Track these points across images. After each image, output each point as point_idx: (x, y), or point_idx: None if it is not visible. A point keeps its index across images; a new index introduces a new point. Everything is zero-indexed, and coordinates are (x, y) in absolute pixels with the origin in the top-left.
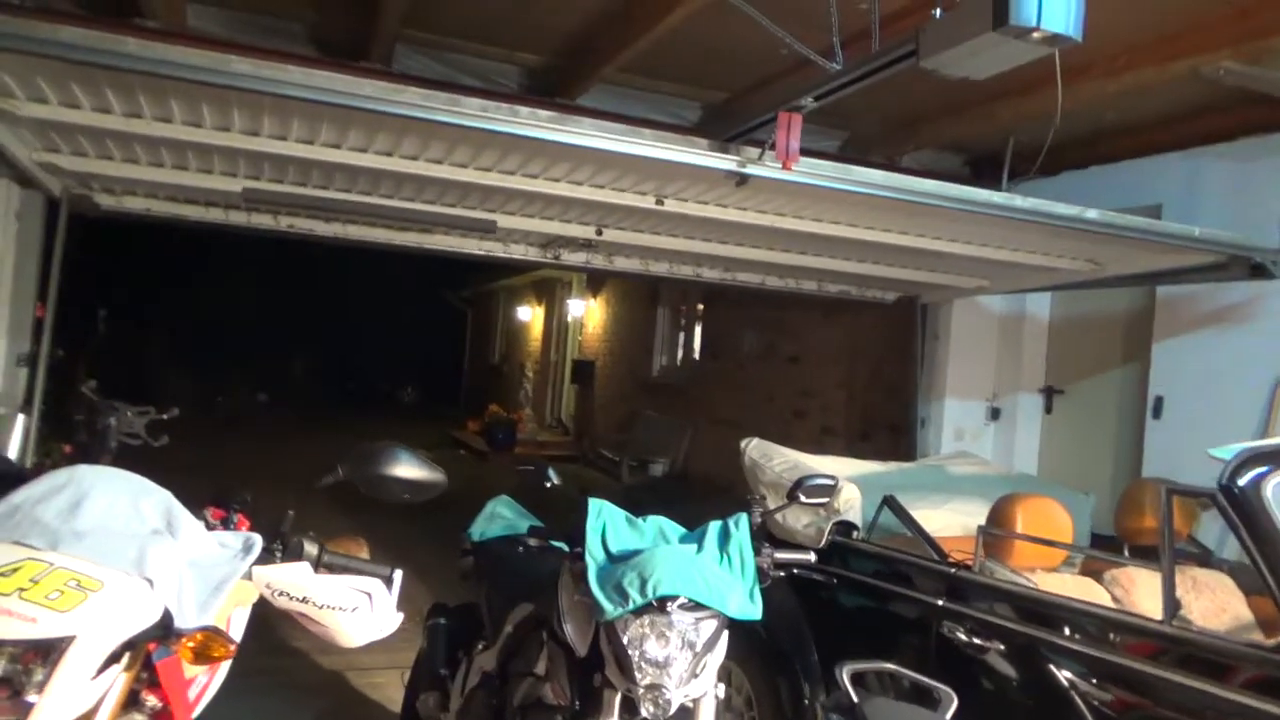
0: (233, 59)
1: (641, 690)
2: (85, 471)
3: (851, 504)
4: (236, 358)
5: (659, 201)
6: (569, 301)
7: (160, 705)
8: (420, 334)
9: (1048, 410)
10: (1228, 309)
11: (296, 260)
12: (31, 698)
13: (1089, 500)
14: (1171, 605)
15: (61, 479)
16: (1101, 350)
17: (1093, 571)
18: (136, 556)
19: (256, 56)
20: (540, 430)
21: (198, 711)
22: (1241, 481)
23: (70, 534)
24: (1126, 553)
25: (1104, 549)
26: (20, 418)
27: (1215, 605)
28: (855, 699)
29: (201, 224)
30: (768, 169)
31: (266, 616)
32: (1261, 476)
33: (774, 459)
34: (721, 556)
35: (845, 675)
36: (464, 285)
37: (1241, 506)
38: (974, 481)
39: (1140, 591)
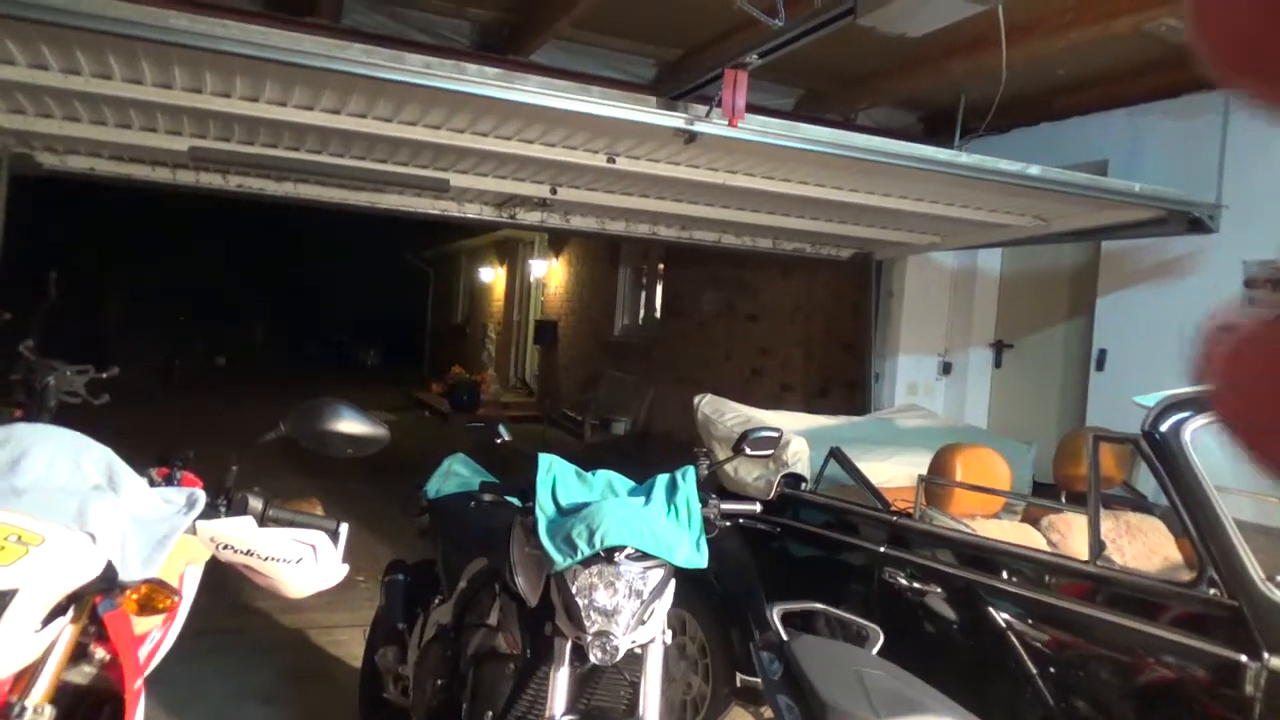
0: (170, 14)
1: (590, 637)
2: (23, 429)
3: (800, 456)
4: (195, 321)
5: (610, 160)
6: (531, 262)
7: (110, 658)
8: (382, 296)
9: (997, 364)
10: (1168, 263)
11: (257, 223)
12: None
13: (1030, 450)
14: (1097, 546)
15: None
16: (1049, 305)
17: (1031, 518)
18: (77, 511)
19: (199, 12)
20: (504, 391)
21: (152, 667)
22: (1162, 427)
23: (9, 490)
24: (1064, 499)
25: (1044, 497)
26: None
27: (1147, 548)
28: (785, 637)
29: (149, 184)
30: (715, 126)
31: (225, 578)
32: (1181, 422)
33: (726, 414)
34: (669, 508)
35: (776, 615)
36: (425, 246)
37: (1162, 451)
38: (920, 434)
39: (1075, 536)
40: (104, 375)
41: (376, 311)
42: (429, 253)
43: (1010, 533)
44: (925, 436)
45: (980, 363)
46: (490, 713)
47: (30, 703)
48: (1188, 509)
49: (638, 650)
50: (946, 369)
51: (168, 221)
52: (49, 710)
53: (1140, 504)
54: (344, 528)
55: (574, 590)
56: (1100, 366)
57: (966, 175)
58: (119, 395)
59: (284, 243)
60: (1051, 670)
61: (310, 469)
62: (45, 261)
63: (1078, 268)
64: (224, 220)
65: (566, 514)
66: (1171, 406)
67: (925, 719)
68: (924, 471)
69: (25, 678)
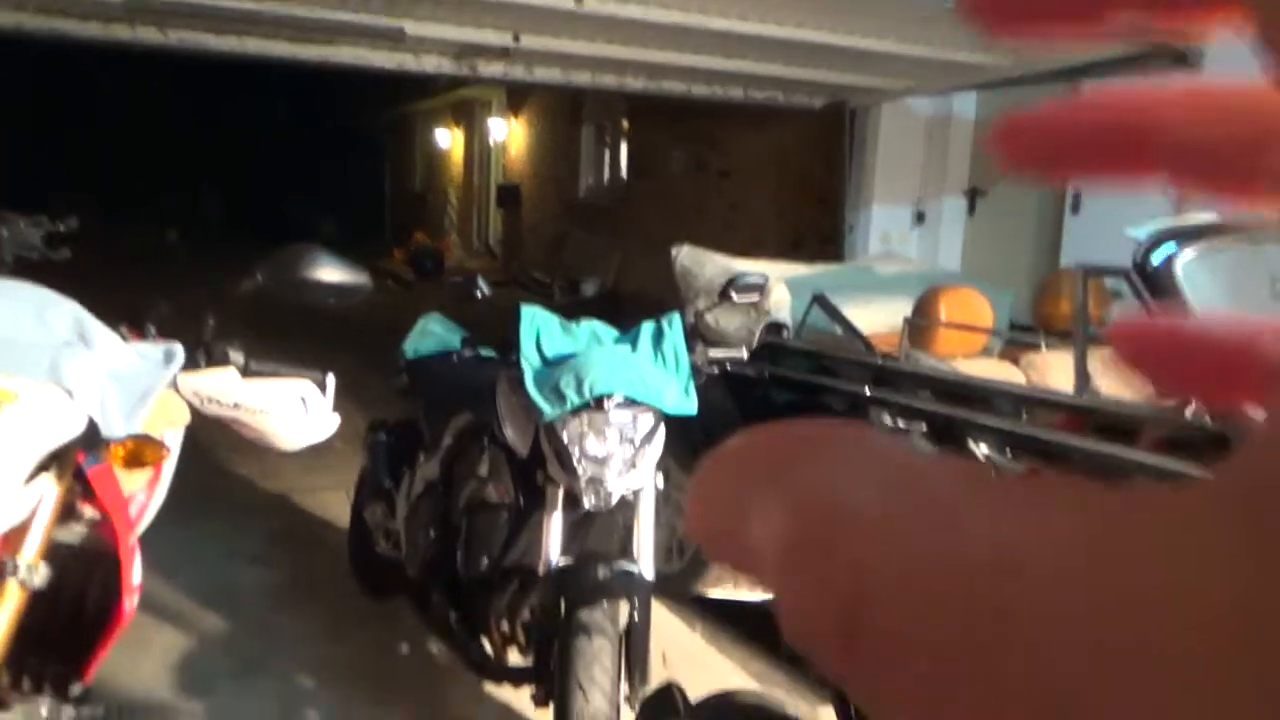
0: None
1: (583, 484)
2: None
3: (781, 304)
4: (143, 195)
5: (578, 1)
6: (490, 122)
7: (99, 516)
8: (337, 165)
9: (971, 212)
10: None
11: (204, 90)
12: None
13: (1008, 294)
14: (1083, 378)
15: None
16: None
17: (1010, 358)
18: (50, 366)
19: None
20: (468, 257)
21: (141, 528)
22: (1154, 259)
23: None
24: (1043, 338)
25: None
26: None
27: (1122, 384)
28: None
29: (81, 40)
30: None
31: (206, 444)
32: (1173, 254)
33: (705, 264)
34: (656, 355)
35: None
36: (379, 111)
37: (1153, 282)
38: (900, 280)
39: (1054, 373)
40: (61, 228)
41: (332, 181)
42: (383, 118)
43: (992, 370)
44: (905, 282)
45: (954, 211)
46: (486, 559)
47: (23, 561)
48: None
49: (629, 496)
50: (920, 218)
51: (100, 87)
52: (43, 568)
53: None
54: (330, 378)
55: (565, 439)
56: (1075, 210)
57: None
58: (76, 271)
59: (233, 112)
60: None
61: (279, 336)
62: None
63: None
64: (164, 83)
65: (553, 365)
66: (1163, 237)
67: None
68: (906, 316)
69: (16, 538)
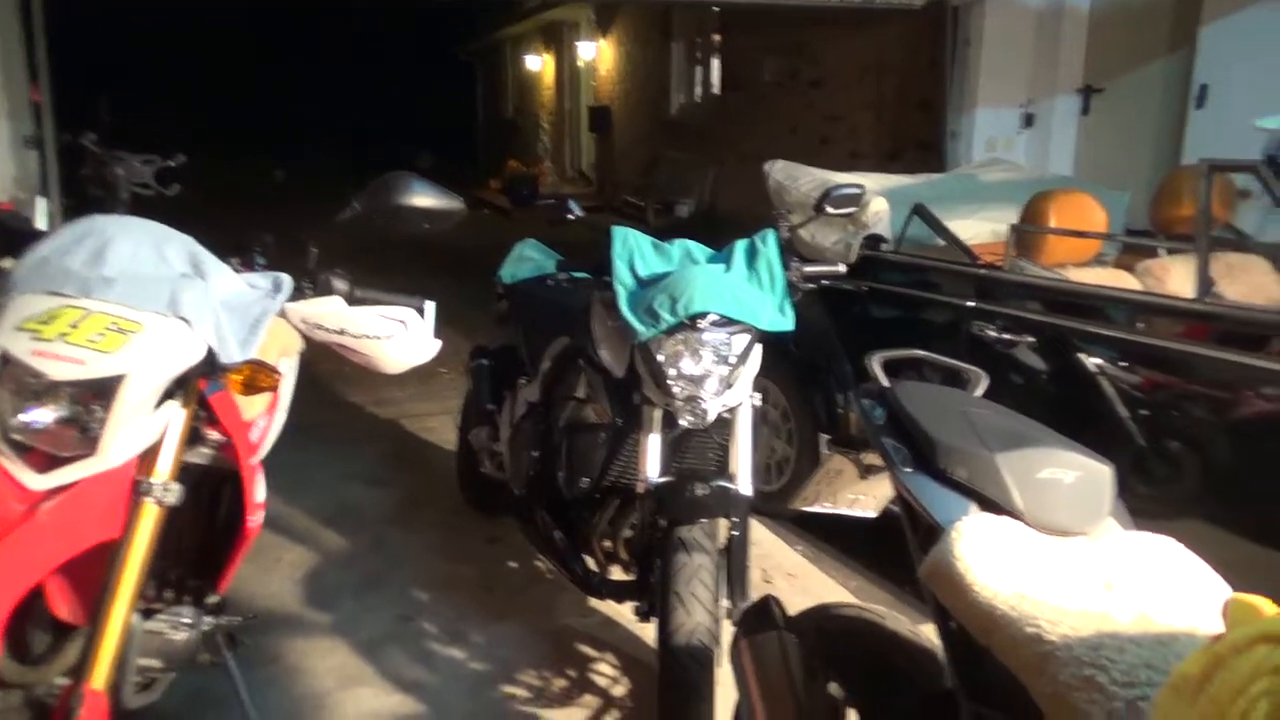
0: None
1: (679, 403)
2: (103, 221)
3: (880, 216)
4: (251, 137)
5: None
6: (578, 44)
7: (223, 439)
8: (431, 96)
9: (1084, 111)
10: None
11: (300, 32)
12: (98, 434)
13: (1124, 196)
14: (1205, 282)
15: (81, 229)
16: (1145, 41)
17: (1125, 265)
18: (169, 299)
19: None
20: (562, 183)
21: (263, 452)
22: None
23: (100, 281)
24: (1161, 243)
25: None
26: (40, 200)
27: (1250, 288)
28: (886, 384)
29: None
30: None
31: (321, 376)
32: None
33: (800, 179)
34: (750, 273)
35: (876, 363)
36: (468, 39)
37: None
38: (1006, 187)
39: (1173, 279)
40: (171, 163)
41: (427, 112)
42: (473, 44)
43: (1105, 278)
44: (1011, 189)
45: (1066, 111)
46: (587, 478)
47: (157, 480)
48: None
49: (726, 414)
50: (1029, 121)
51: (204, 36)
52: (176, 487)
53: (1244, 244)
54: (430, 305)
55: (660, 360)
56: (1201, 104)
57: None
58: (190, 208)
59: (329, 49)
60: (1145, 413)
61: (384, 269)
62: (92, 85)
63: None
64: (262, 29)
65: (646, 285)
66: None
67: (1037, 450)
68: (1011, 223)
69: (149, 460)
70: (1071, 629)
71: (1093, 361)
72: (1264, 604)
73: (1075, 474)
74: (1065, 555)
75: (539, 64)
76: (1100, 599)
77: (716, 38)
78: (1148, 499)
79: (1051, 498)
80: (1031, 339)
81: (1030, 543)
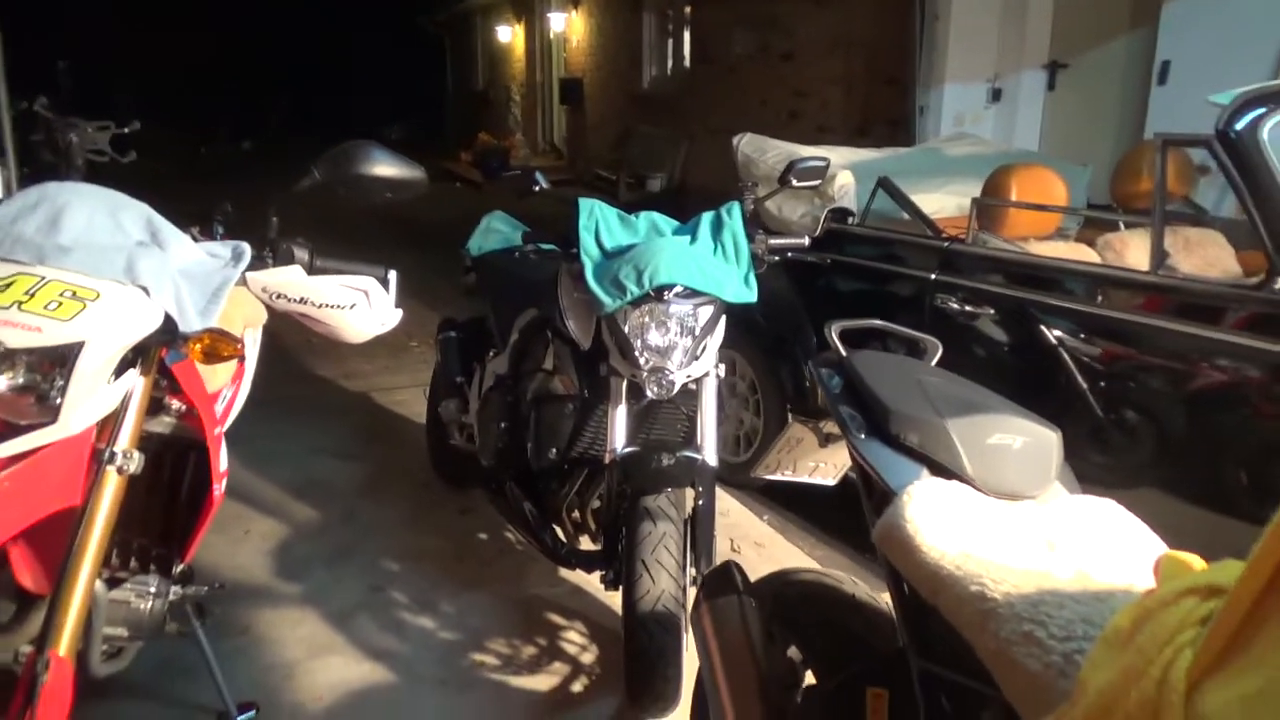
0: None
1: (645, 374)
2: (56, 187)
3: (846, 189)
4: (216, 107)
5: None
6: (549, 15)
7: (185, 408)
8: (399, 68)
9: (1050, 87)
10: None
11: (268, 6)
12: (57, 401)
13: (1085, 171)
14: (1159, 255)
15: (33, 197)
16: (1109, 17)
17: (1086, 240)
18: (126, 266)
19: None
20: (534, 156)
21: (228, 423)
22: (1238, 125)
23: (55, 248)
24: (1121, 216)
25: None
26: None
27: (1205, 261)
28: (844, 353)
29: None
30: None
31: (287, 349)
32: (1259, 118)
33: (768, 152)
34: (715, 245)
35: (834, 332)
36: (437, 9)
37: (1236, 150)
38: (971, 161)
39: (1132, 253)
40: (125, 130)
41: (395, 84)
42: (442, 15)
43: (1065, 252)
44: (976, 164)
45: (1032, 86)
46: (554, 449)
47: (119, 448)
48: (1261, 209)
49: (692, 385)
50: (996, 95)
51: (172, 9)
52: (137, 455)
53: (1200, 218)
54: (393, 274)
55: (626, 330)
56: (1163, 80)
57: None
58: (150, 177)
59: (295, 20)
60: (1102, 384)
61: (345, 242)
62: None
63: None
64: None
65: (612, 257)
66: (1249, 103)
67: (987, 416)
68: (974, 197)
69: (109, 427)
70: (1014, 587)
71: (1053, 333)
72: (1194, 560)
73: (1023, 439)
74: (1011, 517)
75: (509, 35)
76: (1042, 558)
77: (688, 10)
78: (1104, 467)
79: (1000, 462)
80: (993, 311)
81: (978, 505)
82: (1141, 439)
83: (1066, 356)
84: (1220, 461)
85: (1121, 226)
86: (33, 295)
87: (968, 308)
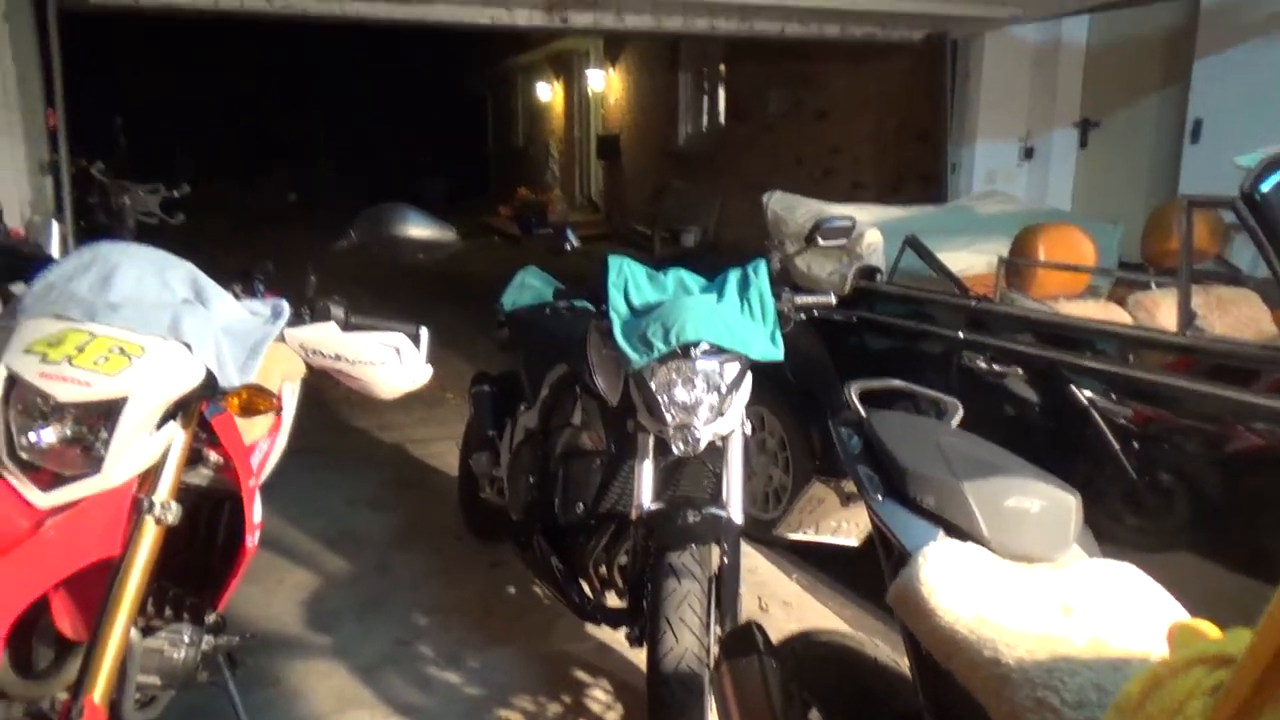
0: None
1: (672, 430)
2: (108, 248)
3: (874, 248)
4: (264, 161)
5: None
6: (588, 73)
7: (223, 461)
8: (441, 124)
9: (1083, 144)
10: (1276, 16)
11: (315, 61)
12: (101, 453)
13: (1116, 230)
14: (1187, 315)
15: (86, 257)
16: (1140, 75)
17: (1117, 299)
18: (171, 323)
19: None
20: (571, 211)
21: (264, 476)
22: (1263, 186)
23: (105, 306)
24: (1152, 276)
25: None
26: (54, 224)
27: (1239, 321)
28: (863, 414)
29: (193, 10)
30: None
31: (324, 401)
32: None
33: (797, 209)
34: (741, 303)
35: (854, 392)
36: (479, 68)
37: (1262, 212)
38: (1000, 220)
39: (1163, 313)
40: (175, 194)
41: (437, 140)
42: (484, 74)
43: (1095, 312)
44: (1005, 222)
45: (1064, 144)
46: (581, 504)
47: (157, 499)
48: None
49: (718, 442)
50: (1028, 154)
51: (221, 61)
52: (175, 506)
53: (1234, 277)
54: (424, 331)
55: (653, 387)
56: (1195, 138)
57: None
58: (198, 232)
59: (343, 79)
60: (1135, 445)
61: (385, 296)
62: (107, 107)
63: (1173, 30)
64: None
65: (640, 314)
66: (1272, 164)
67: (1004, 479)
68: (1001, 255)
69: (150, 478)
70: (1028, 652)
71: (1084, 394)
72: (1207, 628)
73: (1041, 503)
74: (1027, 581)
75: (549, 93)
76: (1058, 623)
77: (722, 68)
78: (1135, 529)
79: (1016, 525)
80: (1020, 370)
81: (993, 569)
82: (1174, 502)
83: (1097, 416)
84: (1253, 526)
85: (1153, 286)
86: (83, 350)
87: (995, 367)
